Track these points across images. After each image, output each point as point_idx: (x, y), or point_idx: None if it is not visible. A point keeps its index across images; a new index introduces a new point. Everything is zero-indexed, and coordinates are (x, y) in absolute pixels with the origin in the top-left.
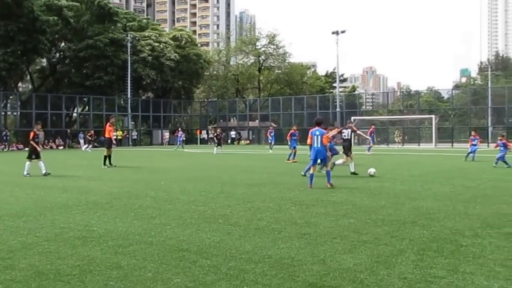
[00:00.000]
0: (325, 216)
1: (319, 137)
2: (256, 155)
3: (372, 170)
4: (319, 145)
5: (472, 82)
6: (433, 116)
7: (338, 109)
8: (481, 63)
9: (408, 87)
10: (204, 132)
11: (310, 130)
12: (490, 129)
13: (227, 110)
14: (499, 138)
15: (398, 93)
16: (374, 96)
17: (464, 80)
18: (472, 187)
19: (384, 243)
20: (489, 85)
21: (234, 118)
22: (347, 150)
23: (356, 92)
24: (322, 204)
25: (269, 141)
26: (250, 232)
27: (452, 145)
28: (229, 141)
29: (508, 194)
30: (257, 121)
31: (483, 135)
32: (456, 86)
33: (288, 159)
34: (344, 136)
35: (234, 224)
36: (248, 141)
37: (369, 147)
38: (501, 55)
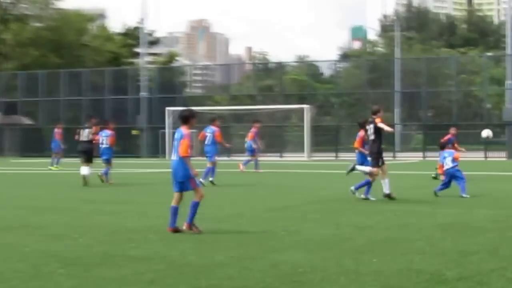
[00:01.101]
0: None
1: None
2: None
3: None
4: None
5: (370, 49)
6: (305, 106)
7: (143, 93)
8: (385, 18)
9: (265, 56)
10: None
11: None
12: (398, 128)
13: None
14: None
15: (248, 67)
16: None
17: (357, 45)
18: (367, 226)
19: None
20: (397, 55)
21: None
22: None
23: (177, 64)
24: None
25: (54, 150)
26: None
27: (337, 156)
28: None
29: (425, 236)
30: None
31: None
32: (344, 56)
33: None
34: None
35: None
36: None
37: (247, 161)
38: (415, 5)
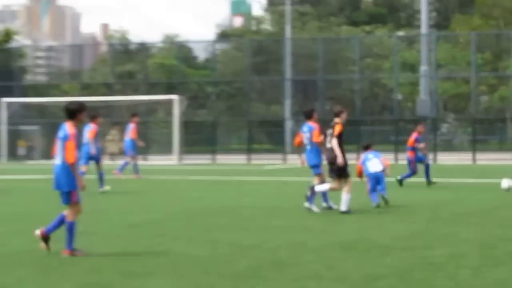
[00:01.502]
0: None
1: None
2: None
3: None
4: None
5: (255, 27)
6: (174, 97)
7: None
8: None
9: (124, 36)
10: None
11: None
12: (288, 124)
13: None
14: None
15: (104, 49)
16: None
17: (239, 22)
18: (252, 246)
19: None
20: (288, 35)
21: None
22: None
23: (14, 45)
24: None
25: None
26: None
27: (214, 159)
28: None
29: (321, 257)
30: None
31: (275, 137)
32: (223, 36)
33: None
34: None
35: None
36: None
37: (123, 165)
38: None
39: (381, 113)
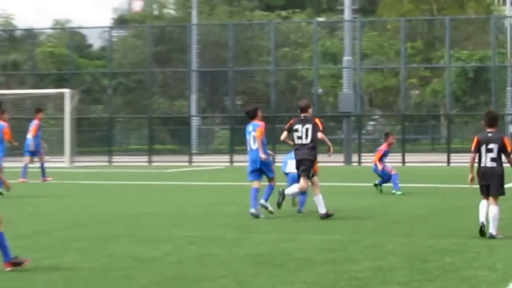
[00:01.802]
0: None
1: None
2: None
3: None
4: None
5: (157, 12)
6: (65, 91)
7: None
8: None
9: (8, 20)
10: None
11: None
12: (194, 122)
13: None
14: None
15: None
16: None
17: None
18: (152, 258)
19: None
20: (195, 20)
21: None
22: None
23: None
24: None
25: None
26: None
27: (110, 160)
28: None
29: (231, 272)
30: None
31: (179, 136)
32: (121, 21)
33: None
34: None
35: None
36: None
37: (26, 167)
38: None
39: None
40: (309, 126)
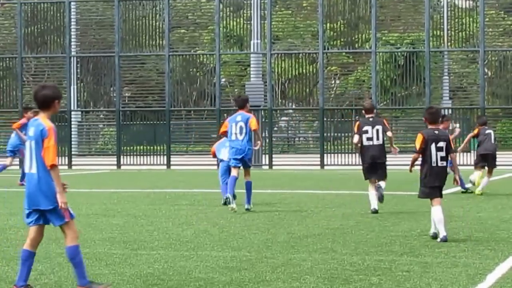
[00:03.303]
0: None
1: None
2: None
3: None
4: None
5: None
6: None
7: None
8: None
9: None
10: None
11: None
12: (74, 117)
13: None
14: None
15: None
16: None
17: None
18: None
19: None
20: None
21: None
22: None
23: None
24: None
25: None
26: None
27: None
28: None
29: None
30: None
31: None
32: None
33: None
34: None
35: None
36: None
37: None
38: None
39: (198, 102)
40: (379, 127)
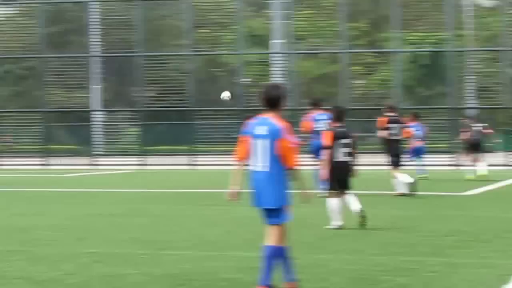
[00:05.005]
0: None
1: None
2: None
3: None
4: None
5: None
6: None
7: None
8: None
9: None
10: None
11: None
12: (98, 117)
13: None
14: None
15: None
16: None
17: None
18: (49, 280)
19: None
20: None
21: None
22: None
23: None
24: None
25: None
26: None
27: None
28: None
29: None
30: None
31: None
32: None
33: None
34: None
35: None
36: None
37: None
38: None
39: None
40: (401, 125)
